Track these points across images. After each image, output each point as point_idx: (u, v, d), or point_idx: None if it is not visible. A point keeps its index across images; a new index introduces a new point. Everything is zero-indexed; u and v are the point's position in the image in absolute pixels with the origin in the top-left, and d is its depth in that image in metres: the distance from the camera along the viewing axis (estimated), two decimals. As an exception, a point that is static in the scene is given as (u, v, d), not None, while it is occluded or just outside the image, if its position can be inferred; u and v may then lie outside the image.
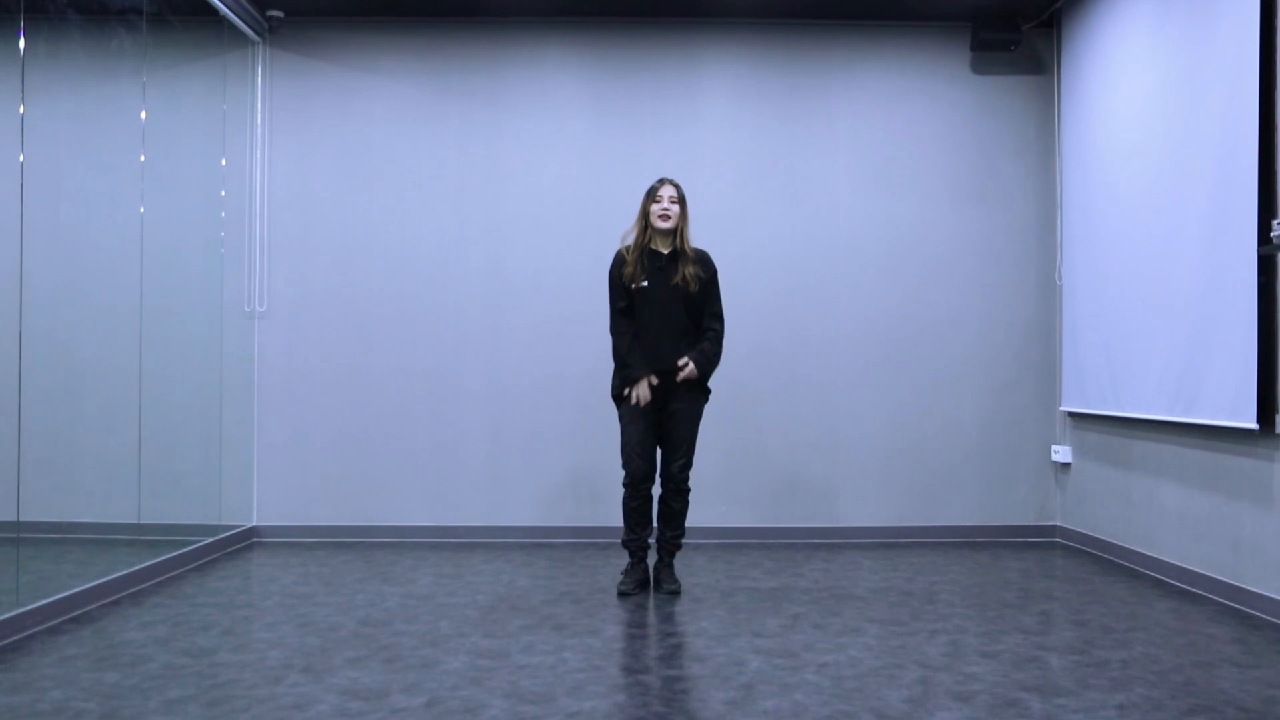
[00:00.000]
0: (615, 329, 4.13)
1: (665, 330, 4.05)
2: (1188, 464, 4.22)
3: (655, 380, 4.05)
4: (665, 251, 4.09)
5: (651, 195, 4.08)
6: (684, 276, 4.03)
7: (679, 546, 4.24)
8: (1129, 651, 3.24)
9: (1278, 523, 3.65)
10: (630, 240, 4.15)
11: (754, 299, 5.38)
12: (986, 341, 5.44)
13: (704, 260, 4.14)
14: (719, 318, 4.18)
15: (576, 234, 5.39)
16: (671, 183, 4.10)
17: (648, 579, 4.22)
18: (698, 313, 4.11)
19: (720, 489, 5.35)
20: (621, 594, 4.07)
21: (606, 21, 5.45)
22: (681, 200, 4.09)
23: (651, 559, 4.32)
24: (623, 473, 4.10)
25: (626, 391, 4.07)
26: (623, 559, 4.69)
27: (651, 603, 3.94)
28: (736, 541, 5.29)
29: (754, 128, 5.46)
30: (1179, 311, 4.13)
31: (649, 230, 4.08)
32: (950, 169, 5.46)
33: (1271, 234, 3.48)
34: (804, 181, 5.45)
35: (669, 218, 4.04)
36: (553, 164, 5.44)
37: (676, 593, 4.11)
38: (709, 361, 4.11)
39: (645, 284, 4.05)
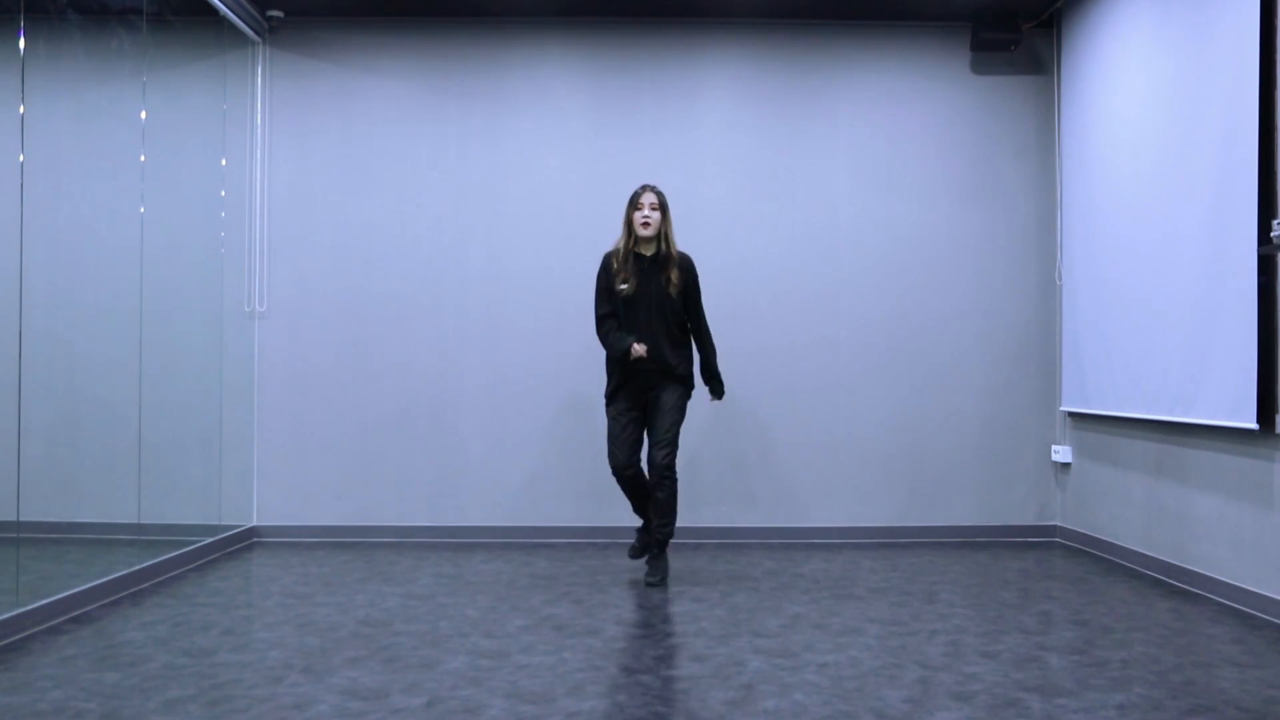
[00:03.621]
0: (600, 326, 4.32)
1: (650, 331, 4.23)
2: (1188, 464, 4.22)
3: (643, 346, 4.21)
4: (649, 254, 4.27)
5: (634, 203, 4.27)
6: (667, 280, 4.23)
7: (669, 536, 4.29)
8: (1129, 651, 3.24)
9: (1278, 523, 3.65)
10: (618, 245, 4.33)
11: (754, 299, 5.38)
12: (986, 341, 5.44)
13: (685, 265, 4.32)
14: (703, 319, 4.40)
15: (576, 234, 5.39)
16: (652, 190, 4.28)
17: (665, 565, 4.37)
18: (680, 314, 4.31)
19: (721, 489, 5.35)
20: (635, 556, 4.40)
21: (606, 21, 5.45)
22: (663, 206, 4.27)
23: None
24: (610, 464, 4.30)
25: (632, 354, 4.19)
26: (621, 557, 4.76)
27: (652, 602, 3.94)
28: (736, 541, 5.29)
29: (754, 128, 5.46)
30: (1179, 311, 4.13)
31: (633, 236, 4.27)
32: (950, 169, 5.46)
33: (1271, 234, 3.47)
34: (804, 182, 5.45)
35: (650, 225, 4.22)
36: (553, 164, 5.44)
37: (658, 583, 4.23)
38: (717, 373, 4.44)
39: (630, 288, 4.23)
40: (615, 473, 4.26)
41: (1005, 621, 3.63)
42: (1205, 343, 3.94)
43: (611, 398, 4.31)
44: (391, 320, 5.40)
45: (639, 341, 4.19)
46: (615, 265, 4.28)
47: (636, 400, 4.28)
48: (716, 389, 4.44)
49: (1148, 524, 4.53)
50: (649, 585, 4.23)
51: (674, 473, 4.24)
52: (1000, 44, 5.35)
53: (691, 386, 4.35)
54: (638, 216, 4.24)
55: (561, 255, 5.40)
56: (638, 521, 4.56)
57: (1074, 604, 3.92)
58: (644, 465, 4.31)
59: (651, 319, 4.23)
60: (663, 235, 4.26)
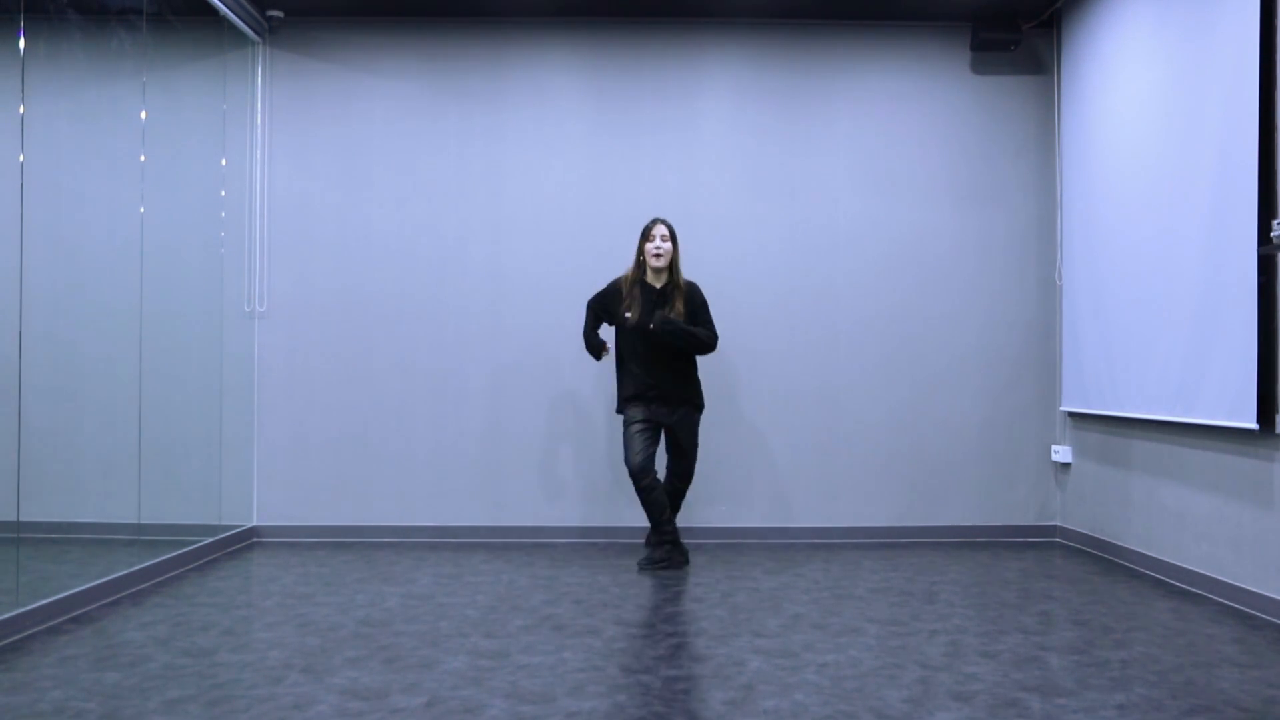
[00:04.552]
0: (587, 324, 4.69)
1: (657, 359, 4.48)
2: (1188, 464, 4.22)
3: (608, 349, 4.59)
4: (658, 285, 4.53)
5: (646, 235, 4.53)
6: (674, 311, 4.47)
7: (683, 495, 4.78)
8: (1129, 651, 3.25)
9: (1278, 523, 3.65)
10: (627, 274, 4.62)
11: (754, 299, 5.38)
12: (986, 341, 5.44)
13: (691, 292, 4.57)
14: (713, 328, 4.61)
15: (576, 234, 5.39)
16: (663, 222, 4.54)
17: (669, 557, 4.58)
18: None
19: (721, 489, 5.35)
20: (681, 562, 4.61)
21: (606, 21, 5.45)
22: (673, 237, 4.53)
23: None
24: (630, 476, 4.52)
25: (619, 409, 4.61)
26: (621, 557, 4.77)
27: (652, 602, 3.95)
28: (736, 541, 5.29)
29: (754, 128, 5.46)
30: (1179, 311, 4.13)
31: (644, 266, 4.54)
32: (950, 169, 5.46)
33: (1271, 234, 3.48)
34: (804, 182, 5.45)
35: (661, 256, 4.49)
36: (552, 164, 5.44)
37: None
38: (684, 331, 4.43)
39: (634, 317, 4.49)
40: (635, 478, 4.47)
41: (1005, 621, 3.63)
42: (1205, 343, 3.94)
43: (625, 405, 4.57)
44: (391, 320, 5.40)
45: (637, 368, 4.49)
46: (624, 291, 4.55)
47: (651, 411, 4.52)
48: (664, 325, 4.39)
49: (1148, 524, 4.53)
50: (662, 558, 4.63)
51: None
52: (1000, 44, 5.35)
53: (701, 409, 4.67)
54: (650, 248, 4.49)
55: (561, 255, 5.40)
56: (637, 520, 4.60)
57: (1074, 604, 3.92)
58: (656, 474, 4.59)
59: (659, 349, 4.46)
60: (671, 266, 4.51)
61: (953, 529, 5.39)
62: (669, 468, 4.70)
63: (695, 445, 4.65)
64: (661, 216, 4.71)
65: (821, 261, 5.43)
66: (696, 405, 4.64)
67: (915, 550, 5.09)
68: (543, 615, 3.71)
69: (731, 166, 5.45)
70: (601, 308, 4.65)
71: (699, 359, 4.66)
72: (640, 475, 4.44)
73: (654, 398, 4.51)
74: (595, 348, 4.58)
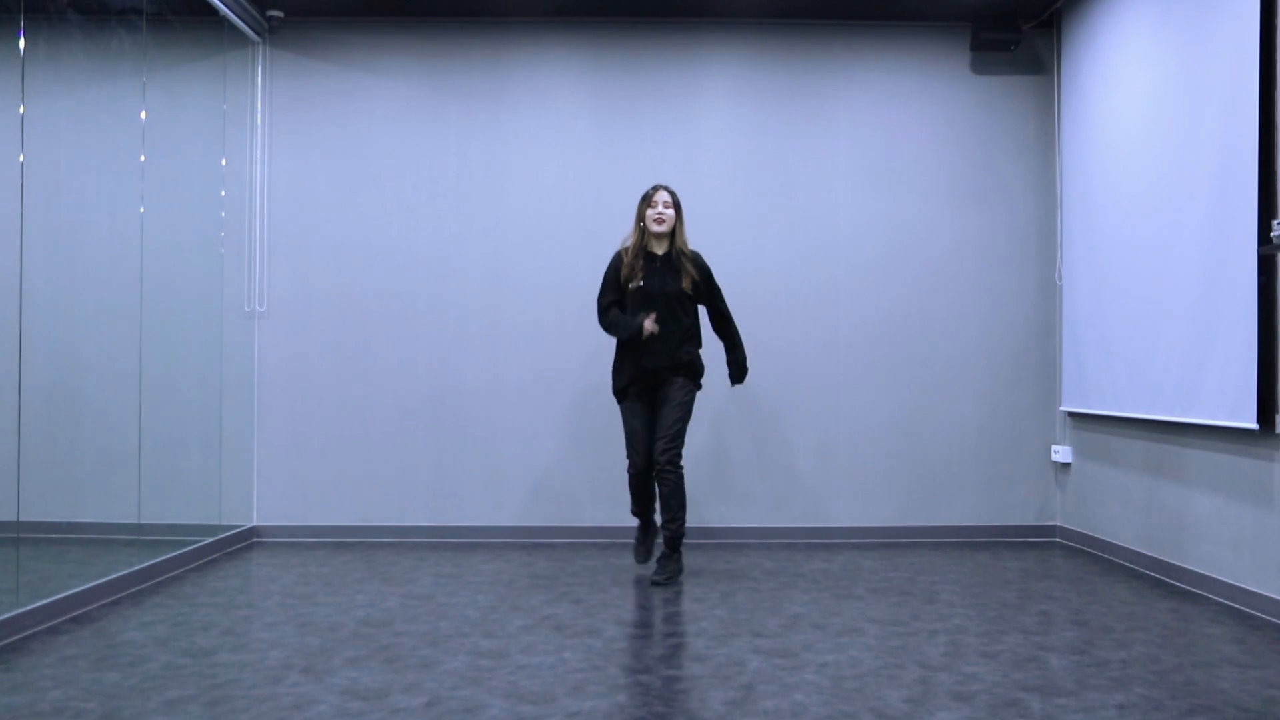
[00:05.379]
0: (603, 315, 4.33)
1: (668, 331, 4.24)
2: (1188, 464, 4.22)
3: (655, 319, 4.20)
4: (660, 253, 4.32)
5: (646, 201, 4.31)
6: (681, 277, 4.27)
7: (678, 534, 4.23)
8: (1129, 651, 3.24)
9: (1278, 523, 3.65)
10: (629, 243, 4.36)
11: (754, 299, 5.38)
12: (986, 341, 5.44)
13: (699, 262, 4.37)
14: (729, 315, 4.47)
15: (576, 233, 5.39)
16: (666, 189, 4.32)
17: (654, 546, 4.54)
18: (691, 311, 4.35)
19: (720, 489, 5.35)
20: (639, 561, 4.50)
21: (606, 21, 5.45)
22: (676, 205, 4.30)
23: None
24: (627, 461, 4.35)
25: (644, 331, 4.18)
26: (621, 556, 4.77)
27: (652, 602, 3.94)
28: (736, 541, 5.29)
29: (754, 128, 5.46)
30: (1179, 311, 4.13)
31: (645, 234, 4.30)
32: (950, 169, 5.46)
33: (1271, 234, 3.47)
34: (804, 181, 5.45)
35: (664, 222, 4.27)
36: (552, 164, 5.44)
37: (664, 583, 4.20)
38: (745, 361, 4.51)
39: (641, 284, 4.26)
40: (635, 473, 4.31)
41: (1005, 621, 3.63)
42: (1205, 343, 3.94)
43: (622, 396, 4.34)
44: (392, 320, 5.40)
45: (648, 321, 4.17)
46: (626, 261, 4.29)
47: (647, 398, 4.31)
48: (740, 374, 4.47)
49: (1148, 524, 4.53)
50: (654, 584, 4.20)
51: (677, 468, 4.20)
52: (1000, 44, 5.35)
53: (699, 380, 4.37)
54: (651, 214, 4.27)
55: (561, 255, 5.40)
56: (635, 521, 4.57)
57: (1074, 604, 3.92)
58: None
59: (662, 317, 4.22)
60: (674, 234, 4.29)
61: (953, 529, 5.39)
62: (653, 451, 4.27)
63: (681, 423, 4.23)
64: (665, 184, 4.40)
65: (821, 261, 5.43)
66: (693, 376, 4.34)
67: (915, 550, 5.09)
68: (543, 615, 3.71)
69: (731, 166, 5.45)
70: (617, 292, 4.33)
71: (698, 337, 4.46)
72: (646, 470, 4.27)
73: (651, 374, 4.24)
74: (638, 326, 4.18)
